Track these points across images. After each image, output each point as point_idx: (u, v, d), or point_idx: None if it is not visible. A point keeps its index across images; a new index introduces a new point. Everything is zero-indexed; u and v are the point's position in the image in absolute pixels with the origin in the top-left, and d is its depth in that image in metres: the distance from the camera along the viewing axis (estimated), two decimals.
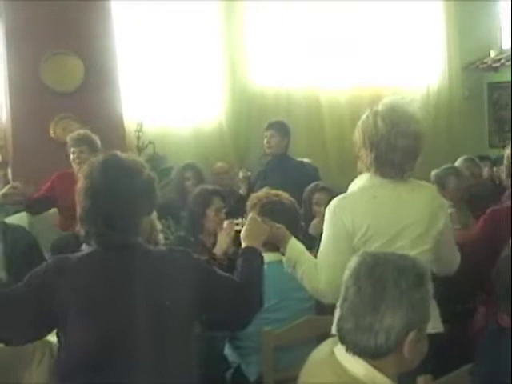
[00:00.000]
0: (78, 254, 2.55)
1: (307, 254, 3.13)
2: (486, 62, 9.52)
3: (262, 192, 3.97)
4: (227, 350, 3.84)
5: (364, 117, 3.04)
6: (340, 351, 2.01)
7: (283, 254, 3.18)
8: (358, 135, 3.05)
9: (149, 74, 7.68)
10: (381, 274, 1.96)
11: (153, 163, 6.96)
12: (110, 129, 6.94)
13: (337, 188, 5.80)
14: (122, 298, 2.41)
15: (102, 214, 2.45)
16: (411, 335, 1.94)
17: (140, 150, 7.19)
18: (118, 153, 2.58)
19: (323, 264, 2.98)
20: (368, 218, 2.95)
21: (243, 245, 2.89)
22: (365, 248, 2.87)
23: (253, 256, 2.81)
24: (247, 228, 2.97)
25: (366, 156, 3.03)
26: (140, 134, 7.23)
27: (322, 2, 8.57)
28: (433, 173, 6.10)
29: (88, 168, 2.51)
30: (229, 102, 8.01)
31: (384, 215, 2.97)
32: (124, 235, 2.48)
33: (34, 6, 6.69)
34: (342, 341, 2.00)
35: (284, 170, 6.33)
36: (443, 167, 6.04)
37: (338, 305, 2.04)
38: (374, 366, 1.96)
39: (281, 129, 6.76)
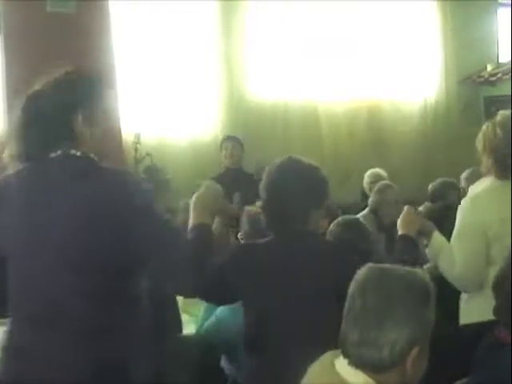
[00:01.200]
0: (261, 241, 2.98)
1: (448, 244, 3.51)
2: (482, 76, 9.55)
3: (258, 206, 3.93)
4: (224, 363, 3.83)
5: (484, 126, 3.52)
6: (341, 363, 2.00)
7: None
8: (478, 143, 3.49)
9: (146, 86, 7.69)
10: (388, 288, 1.95)
11: (150, 175, 6.98)
12: (107, 140, 6.95)
13: (334, 199, 5.80)
14: (288, 279, 2.75)
15: (275, 206, 2.87)
16: (415, 350, 1.93)
17: (137, 161, 7.19)
18: (295, 156, 2.99)
19: (458, 252, 3.38)
20: (498, 215, 3.35)
21: (399, 232, 3.32)
22: (497, 242, 3.32)
23: (407, 242, 3.28)
24: (403, 219, 3.37)
25: (486, 161, 3.45)
26: (138, 145, 7.23)
27: (321, 14, 8.61)
28: (430, 186, 6.09)
29: (269, 167, 2.95)
30: (226, 114, 8.02)
31: (508, 213, 3.34)
32: (293, 225, 2.85)
33: (33, 20, 6.71)
34: (345, 353, 1.99)
35: (242, 183, 6.25)
36: (440, 181, 6.03)
37: (343, 316, 2.04)
38: (376, 380, 1.95)
39: (239, 142, 6.83)
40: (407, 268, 2.05)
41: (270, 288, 2.77)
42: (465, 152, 9.21)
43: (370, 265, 2.06)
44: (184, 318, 3.81)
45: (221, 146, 6.87)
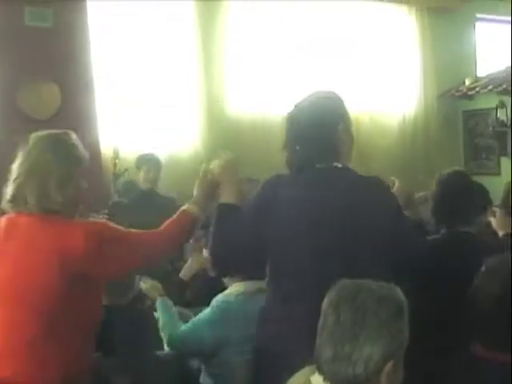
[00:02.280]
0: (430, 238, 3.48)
1: None
2: (461, 90, 9.61)
3: None
4: (203, 379, 3.79)
5: None
6: (316, 380, 1.99)
7: None
8: None
9: (125, 100, 7.66)
10: (361, 303, 1.95)
11: (129, 190, 6.94)
12: None
13: None
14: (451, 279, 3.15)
15: (448, 208, 3.39)
16: (389, 365, 1.92)
17: (116, 176, 7.15)
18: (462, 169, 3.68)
19: None
20: None
21: (500, 233, 3.81)
22: None
23: None
24: (499, 220, 3.79)
25: None
26: (116, 160, 7.19)
27: (300, 28, 8.66)
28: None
29: (440, 177, 3.51)
30: (205, 129, 7.99)
31: None
32: (462, 226, 3.36)
33: (11, 33, 6.69)
34: (320, 369, 1.98)
35: (160, 206, 6.02)
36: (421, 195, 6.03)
37: (317, 332, 2.02)
38: None
39: (157, 162, 6.64)
40: (380, 283, 2.04)
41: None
42: (444, 165, 9.29)
43: (342, 281, 2.05)
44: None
45: (137, 165, 6.62)
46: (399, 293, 2.01)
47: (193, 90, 8.00)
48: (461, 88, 9.63)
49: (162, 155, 7.73)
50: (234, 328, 3.26)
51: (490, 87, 9.28)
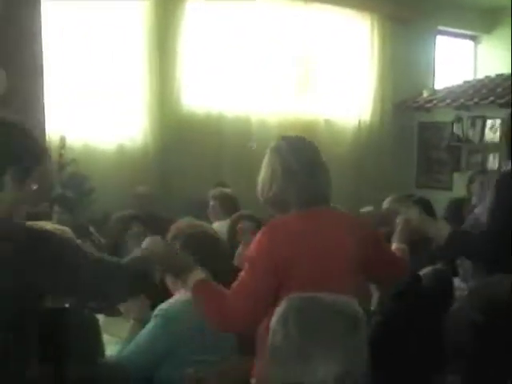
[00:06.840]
0: None
1: None
2: (418, 102, 9.56)
3: (185, 223, 3.64)
4: None
5: None
6: None
7: None
8: None
9: (75, 90, 7.36)
10: (311, 318, 1.75)
11: (75, 182, 6.68)
12: None
13: (261, 215, 5.57)
14: None
15: None
16: None
17: (62, 167, 6.85)
18: None
19: None
20: None
21: None
22: None
23: None
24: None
25: None
26: (62, 151, 6.89)
27: (259, 26, 8.53)
28: (364, 210, 5.94)
29: None
30: (156, 122, 7.77)
31: None
32: None
33: None
34: None
35: None
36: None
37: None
38: None
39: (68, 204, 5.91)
40: (336, 296, 1.83)
41: None
42: (396, 176, 9.21)
43: (290, 296, 1.84)
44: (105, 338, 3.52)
45: None
46: (354, 305, 1.81)
47: (145, 83, 7.74)
48: (418, 99, 9.59)
49: (110, 148, 7.50)
50: (178, 339, 3.04)
51: (448, 101, 9.24)
